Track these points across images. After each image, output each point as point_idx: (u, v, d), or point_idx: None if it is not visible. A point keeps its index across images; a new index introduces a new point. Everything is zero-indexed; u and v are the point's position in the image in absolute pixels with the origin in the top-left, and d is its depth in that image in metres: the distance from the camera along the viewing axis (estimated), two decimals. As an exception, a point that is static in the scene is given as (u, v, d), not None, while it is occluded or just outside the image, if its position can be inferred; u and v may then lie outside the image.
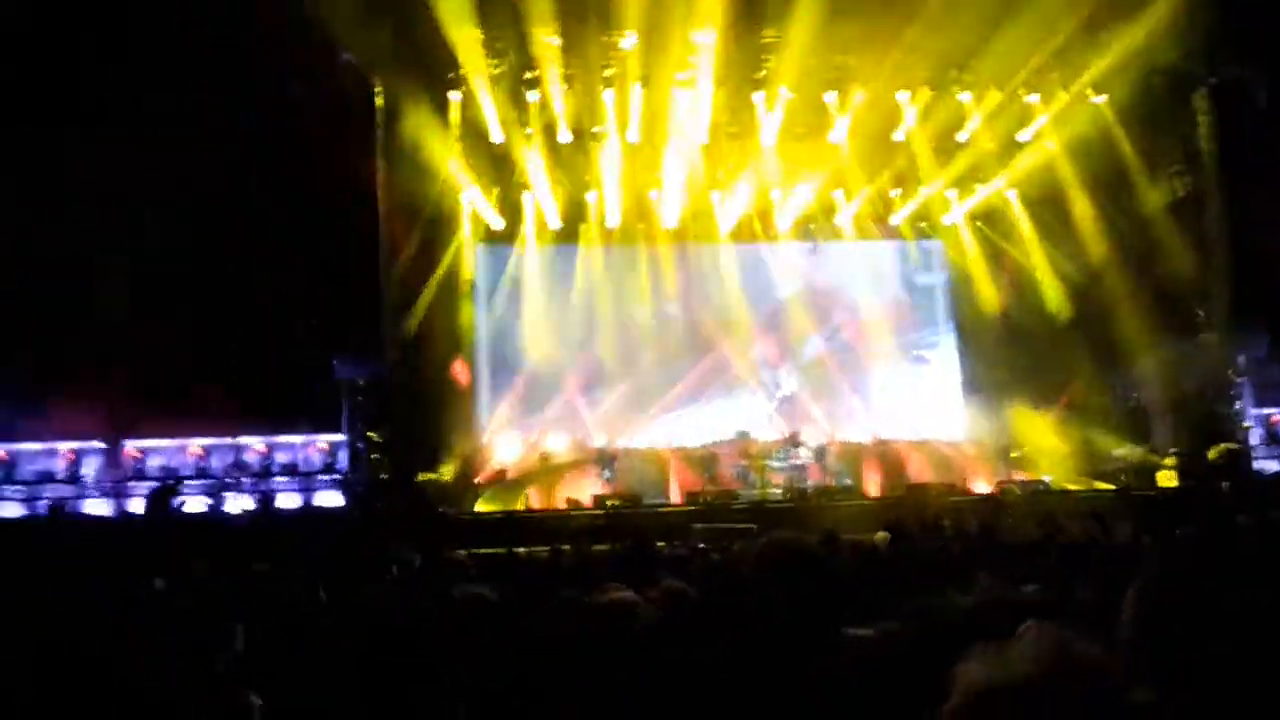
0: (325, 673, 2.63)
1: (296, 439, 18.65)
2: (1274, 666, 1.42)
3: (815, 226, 21.66)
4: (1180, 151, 17.55)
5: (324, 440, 18.53)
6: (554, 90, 18.20)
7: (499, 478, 19.37)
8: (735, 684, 2.00)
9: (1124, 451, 18.25)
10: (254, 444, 18.57)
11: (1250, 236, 15.80)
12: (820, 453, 19.64)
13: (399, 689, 2.56)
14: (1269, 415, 17.12)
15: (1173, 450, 17.35)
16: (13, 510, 17.39)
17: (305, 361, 17.09)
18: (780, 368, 21.69)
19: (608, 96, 18.43)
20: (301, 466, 18.70)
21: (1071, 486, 17.97)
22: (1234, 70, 15.98)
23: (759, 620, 2.12)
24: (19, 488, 17.80)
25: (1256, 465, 16.81)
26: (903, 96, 19.06)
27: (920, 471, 19.66)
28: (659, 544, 9.49)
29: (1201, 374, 17.30)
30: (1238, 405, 16.89)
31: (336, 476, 18.32)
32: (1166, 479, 17.21)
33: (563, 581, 5.25)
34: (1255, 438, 16.95)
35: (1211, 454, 16.49)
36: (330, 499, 18.09)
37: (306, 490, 18.35)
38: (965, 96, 18.97)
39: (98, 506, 17.64)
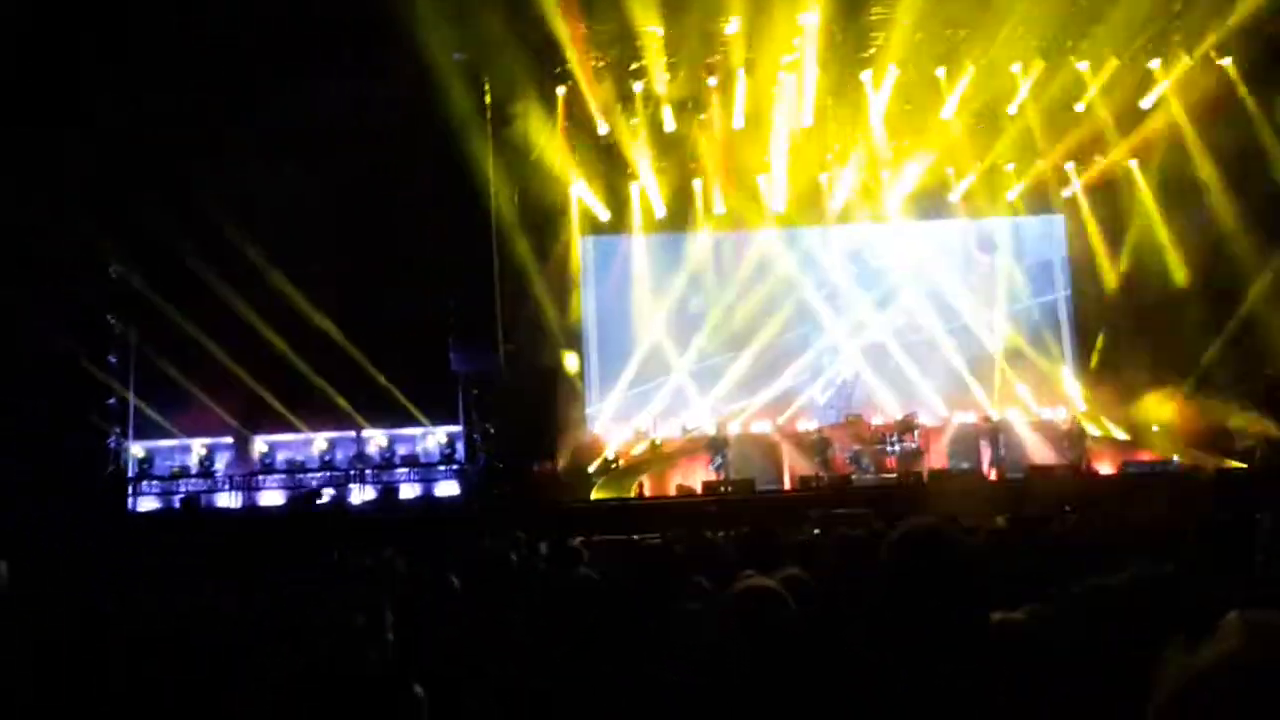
0: (484, 663, 2.74)
1: (416, 431, 19.15)
2: None
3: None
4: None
5: (442, 432, 18.99)
6: (658, 79, 18.24)
7: (611, 466, 19.58)
8: (886, 673, 2.03)
9: (1259, 428, 17.47)
10: (375, 437, 19.13)
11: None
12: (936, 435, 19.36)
13: (556, 676, 2.64)
14: None
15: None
16: (150, 504, 18.28)
17: (424, 356, 17.53)
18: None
19: (712, 83, 18.39)
20: (421, 458, 19.22)
21: (1202, 466, 17.30)
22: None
23: (902, 607, 2.13)
24: (155, 483, 18.68)
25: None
26: (1016, 68, 18.51)
27: (1039, 453, 19.18)
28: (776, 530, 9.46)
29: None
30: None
31: (454, 467, 18.76)
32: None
33: (686, 568, 5.29)
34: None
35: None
36: (448, 489, 18.54)
37: (426, 480, 18.85)
38: (1082, 65, 18.34)
39: (228, 499, 18.42)
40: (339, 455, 19.17)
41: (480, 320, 17.42)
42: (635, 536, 10.22)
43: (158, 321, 17.48)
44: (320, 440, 19.06)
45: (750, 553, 6.74)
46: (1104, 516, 9.62)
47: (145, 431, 18.80)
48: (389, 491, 18.16)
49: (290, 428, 18.63)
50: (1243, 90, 17.65)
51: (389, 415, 18.60)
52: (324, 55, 16.16)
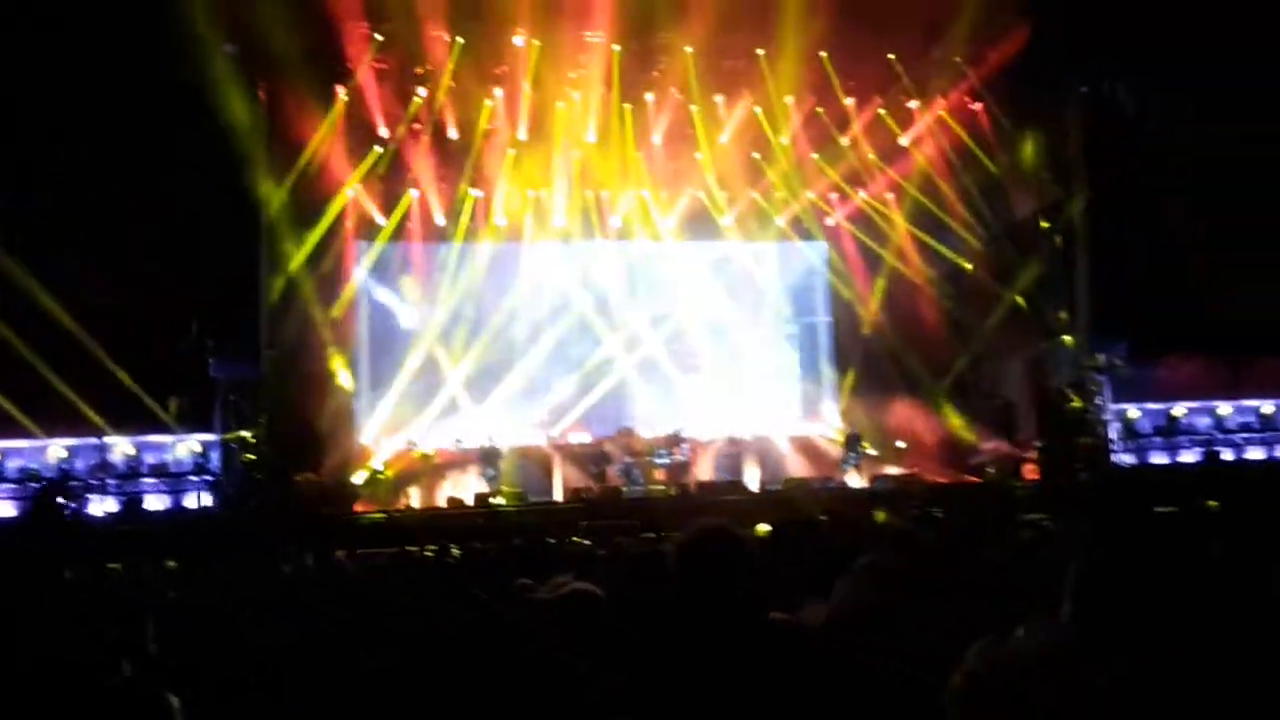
0: (246, 671, 2.58)
1: (166, 439, 17.96)
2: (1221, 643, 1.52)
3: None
4: (1052, 159, 18.35)
5: (196, 440, 17.89)
6: (443, 87, 17.99)
7: (379, 477, 19.04)
8: (675, 673, 2.05)
9: (991, 446, 19.01)
10: (120, 444, 17.81)
11: (1114, 243, 16.65)
12: (704, 448, 19.94)
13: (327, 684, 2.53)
14: (1125, 411, 18.08)
15: (1036, 444, 18.16)
16: None
17: (179, 359, 16.48)
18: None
19: (497, 94, 18.31)
20: (171, 467, 18.04)
21: (941, 480, 18.65)
22: (1104, 83, 16.78)
23: (688, 609, 2.17)
24: None
25: (1115, 457, 17.74)
26: (789, 100, 19.42)
27: (799, 466, 20.12)
28: (549, 541, 9.47)
29: (1064, 372, 18.16)
30: (1098, 401, 17.78)
31: (208, 478, 17.72)
32: (1031, 472, 18.00)
33: (462, 579, 5.23)
34: (1113, 432, 17.86)
35: (1074, 449, 17.35)
36: (202, 501, 17.50)
37: (176, 492, 17.70)
38: (850, 101, 19.46)
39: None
40: (79, 463, 17.72)
41: (243, 323, 16.55)
42: (408, 549, 9.98)
43: None
44: (57, 447, 17.56)
45: (524, 564, 6.73)
46: (854, 524, 10.17)
47: None
48: (133, 503, 16.95)
49: (24, 433, 17.07)
50: (990, 134, 19.21)
51: (136, 421, 17.35)
52: (81, 37, 14.98)
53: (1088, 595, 1.54)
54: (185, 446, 17.88)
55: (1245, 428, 18.39)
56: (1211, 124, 17.47)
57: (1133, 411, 18.13)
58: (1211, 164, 17.47)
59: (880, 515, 8.84)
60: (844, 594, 2.35)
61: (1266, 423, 18.34)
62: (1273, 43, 17.01)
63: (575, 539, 11.16)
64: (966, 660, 1.01)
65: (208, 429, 17.69)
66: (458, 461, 19.89)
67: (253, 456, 17.26)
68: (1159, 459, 18.08)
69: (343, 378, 19.90)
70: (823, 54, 17.89)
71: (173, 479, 17.78)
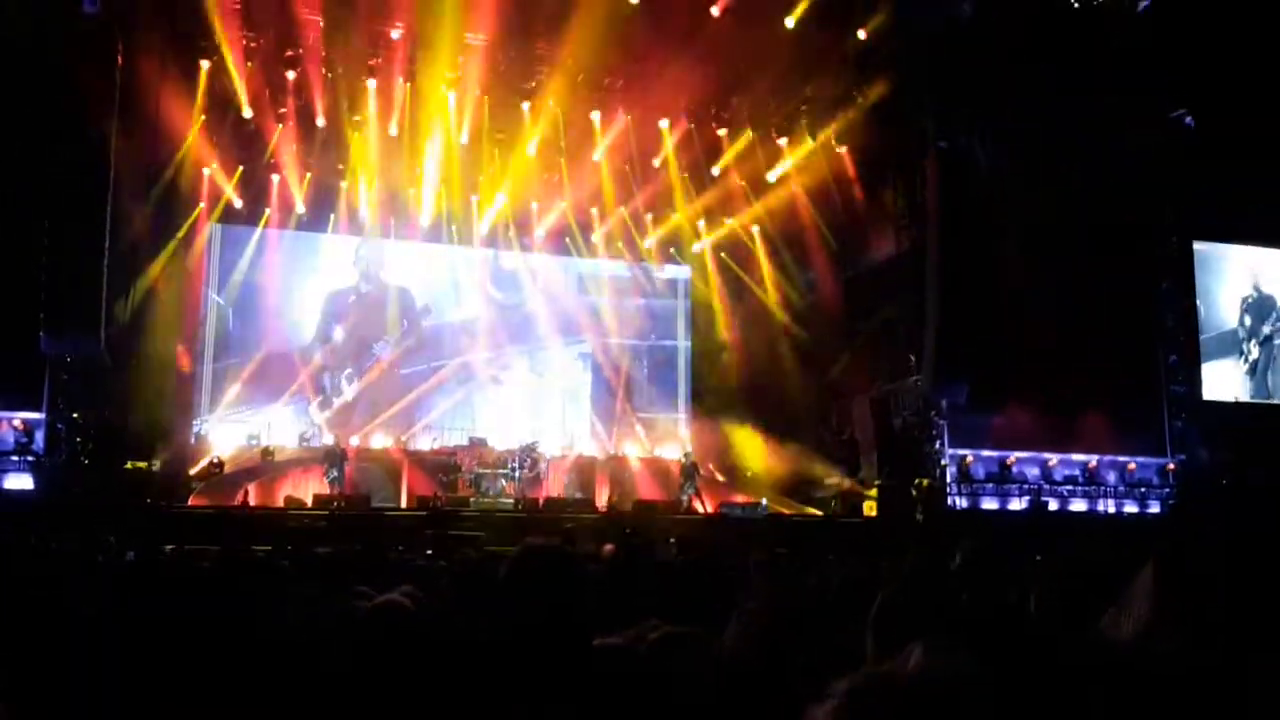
0: (72, 674, 2.40)
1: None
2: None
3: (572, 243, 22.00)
4: (908, 206, 19.03)
5: (20, 419, 16.80)
6: (314, 72, 17.48)
7: (215, 471, 18.28)
8: (491, 689, 1.99)
9: (834, 480, 19.50)
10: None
11: (961, 292, 17.36)
12: (556, 464, 19.86)
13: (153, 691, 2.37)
14: (963, 456, 18.81)
15: (877, 483, 18.71)
16: None
17: (6, 331, 15.44)
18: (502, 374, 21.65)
19: (370, 86, 17.89)
20: (-10, 445, 16.87)
21: (785, 510, 19.03)
22: (961, 137, 17.52)
23: (513, 626, 2.11)
24: None
25: (950, 501, 18.42)
26: (664, 124, 19.59)
27: (649, 488, 20.22)
28: (393, 547, 9.23)
29: (909, 415, 18.79)
30: (937, 445, 18.45)
31: (30, 458, 16.63)
32: (870, 509, 18.52)
33: (291, 583, 5.01)
34: (950, 475, 18.56)
35: (913, 489, 17.93)
36: (20, 482, 16.41)
37: (-7, 471, 16.56)
38: (722, 131, 19.76)
39: None
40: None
41: (82, 299, 15.60)
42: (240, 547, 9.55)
43: None
44: None
45: (362, 570, 6.52)
46: (700, 549, 10.28)
47: None
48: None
49: None
50: (854, 176, 19.79)
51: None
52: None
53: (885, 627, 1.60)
54: (8, 425, 16.76)
55: (1070, 480, 19.38)
56: (1052, 185, 18.50)
57: (969, 457, 18.88)
58: (1049, 223, 18.47)
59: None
60: (735, 634, 2.32)
61: (1090, 476, 19.37)
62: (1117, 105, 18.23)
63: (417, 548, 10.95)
64: (838, 692, 1.00)
65: (34, 407, 16.62)
66: (300, 460, 19.27)
67: (82, 440, 16.29)
68: (990, 504, 18.87)
69: (184, 364, 19.09)
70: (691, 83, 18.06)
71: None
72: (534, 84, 18.26)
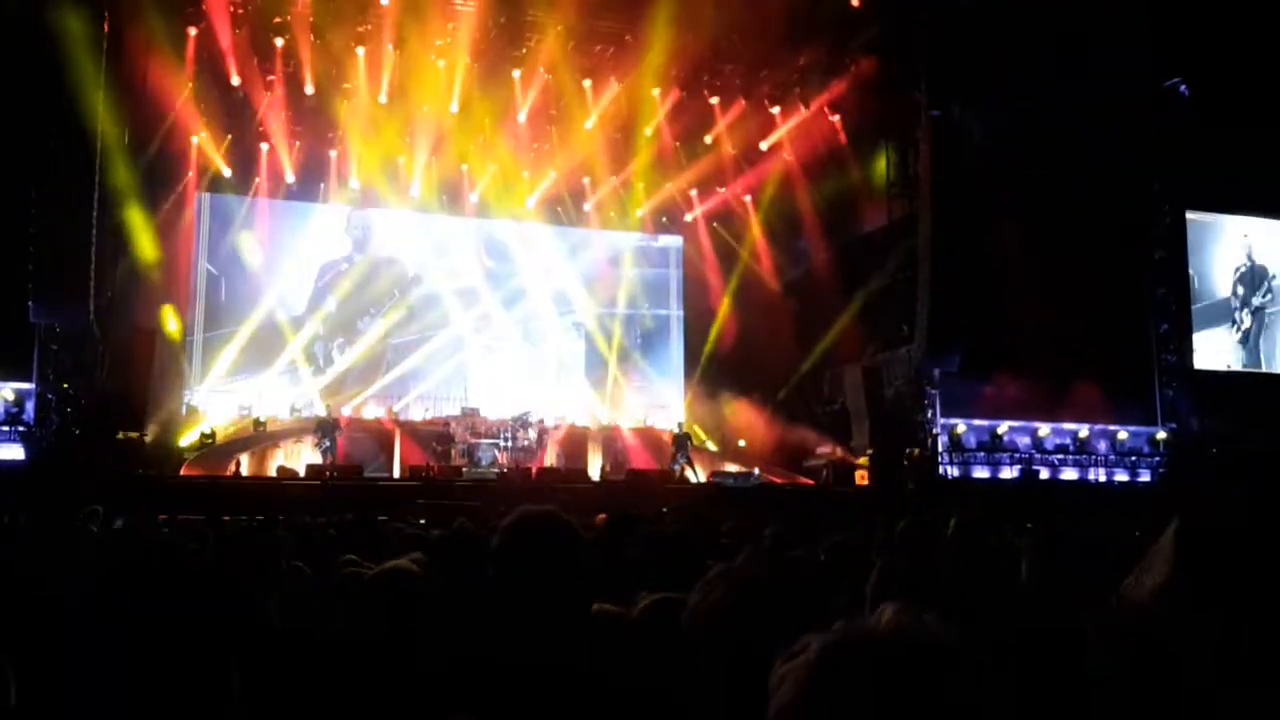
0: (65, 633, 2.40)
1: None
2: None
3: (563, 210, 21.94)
4: (901, 176, 18.98)
5: (10, 389, 16.74)
6: (303, 39, 17.28)
7: (206, 441, 18.26)
8: (492, 660, 1.99)
9: (826, 450, 19.56)
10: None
11: (953, 261, 17.36)
12: (549, 434, 19.87)
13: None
14: (954, 425, 18.87)
15: (869, 451, 18.77)
16: None
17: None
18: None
19: (359, 53, 17.72)
20: (-19, 415, 16.82)
21: (777, 480, 19.10)
22: (955, 107, 17.45)
23: (508, 594, 2.10)
24: None
25: (942, 469, 18.50)
26: (656, 93, 19.45)
27: (642, 458, 20.27)
28: (381, 519, 9.24)
29: (901, 384, 18.82)
30: (929, 414, 18.50)
31: (20, 428, 16.59)
32: (861, 478, 18.60)
33: (285, 552, 5.01)
34: (941, 445, 18.62)
35: (904, 458, 17.99)
36: (11, 452, 16.38)
37: (-16, 442, 16.52)
38: (714, 100, 19.64)
39: None
40: None
41: (70, 268, 15.49)
42: (226, 518, 9.55)
43: None
44: None
45: (353, 539, 6.52)
46: (694, 519, 10.29)
47: None
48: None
49: None
50: (846, 147, 19.71)
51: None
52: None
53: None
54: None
55: (1061, 449, 19.47)
56: (1045, 155, 18.46)
57: (960, 426, 18.94)
58: (1042, 193, 18.45)
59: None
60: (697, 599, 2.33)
61: (1081, 445, 19.46)
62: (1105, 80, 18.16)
63: (411, 518, 10.96)
64: (810, 649, 0.99)
65: (25, 377, 16.55)
66: (292, 431, 19.26)
67: (72, 410, 16.25)
68: (981, 473, 18.95)
69: (174, 333, 19.02)
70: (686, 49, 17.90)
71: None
72: (524, 51, 18.08)
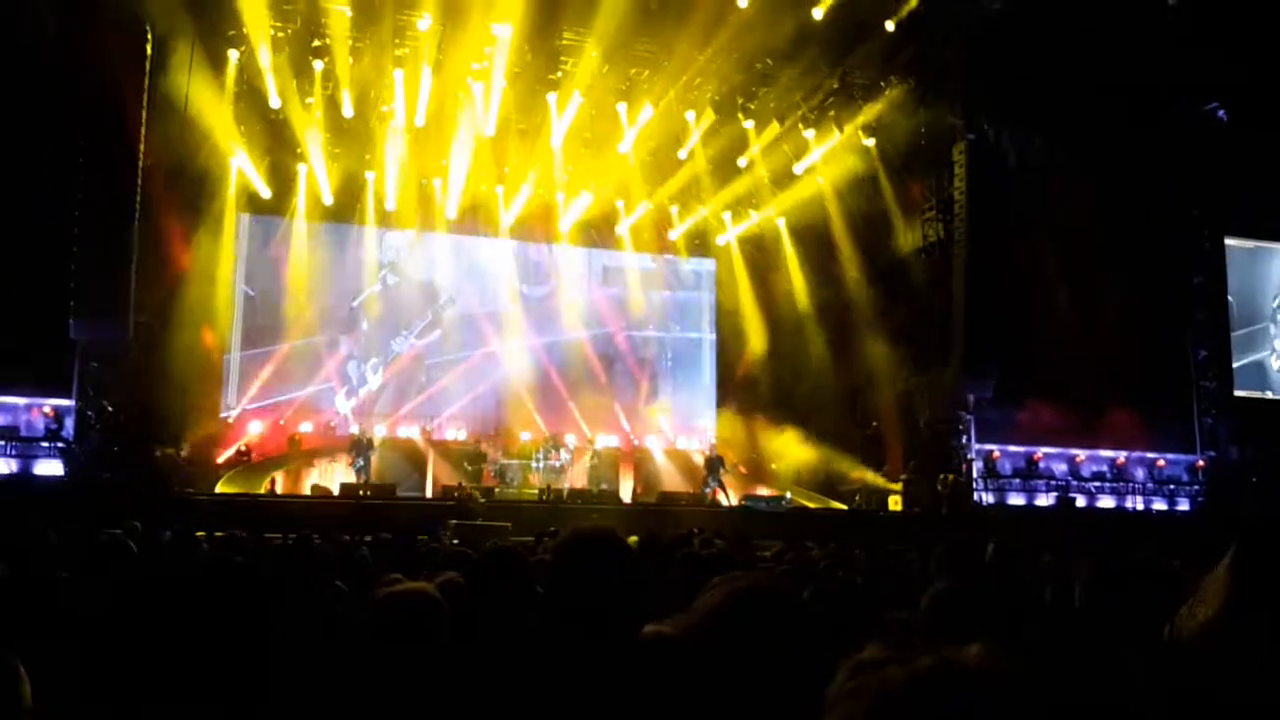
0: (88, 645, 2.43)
1: (19, 400, 16.98)
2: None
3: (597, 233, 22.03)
4: (935, 199, 18.89)
5: (50, 405, 16.96)
6: (341, 62, 17.50)
7: (243, 459, 18.43)
8: (535, 678, 1.98)
9: (859, 474, 19.43)
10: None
11: (989, 285, 17.24)
12: (580, 455, 19.89)
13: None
14: (990, 451, 18.70)
15: (903, 477, 18.63)
16: None
17: (39, 318, 15.58)
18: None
19: (397, 76, 17.90)
20: (23, 431, 17.05)
21: (809, 504, 18.99)
22: (990, 130, 17.39)
23: (560, 612, 2.10)
24: None
25: (976, 496, 18.32)
26: (690, 116, 19.49)
27: (674, 480, 20.22)
28: (420, 537, 9.27)
29: (935, 409, 18.67)
30: (964, 440, 18.35)
31: (60, 445, 16.80)
32: (895, 503, 18.45)
33: (324, 571, 5.04)
34: (976, 471, 18.45)
35: (938, 484, 17.83)
36: (51, 469, 16.57)
37: (25, 457, 16.73)
38: (749, 124, 19.64)
39: None
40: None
41: (110, 286, 15.73)
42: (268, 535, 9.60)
43: None
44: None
45: (390, 559, 6.55)
46: (728, 541, 10.24)
47: None
48: (-26, 466, 15.97)
49: None
50: (880, 170, 19.66)
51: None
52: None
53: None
54: (39, 411, 16.92)
55: (1098, 476, 19.23)
56: (1082, 179, 18.33)
57: (995, 451, 18.75)
58: (1078, 217, 18.30)
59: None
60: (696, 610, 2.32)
61: (1118, 473, 19.22)
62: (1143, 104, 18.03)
63: (446, 538, 10.98)
64: (898, 671, 0.97)
65: (64, 394, 16.78)
66: (327, 449, 19.40)
67: (111, 427, 16.44)
68: (1016, 500, 18.74)
69: (212, 352, 19.21)
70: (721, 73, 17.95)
71: (23, 443, 16.80)
72: (559, 75, 18.20)
